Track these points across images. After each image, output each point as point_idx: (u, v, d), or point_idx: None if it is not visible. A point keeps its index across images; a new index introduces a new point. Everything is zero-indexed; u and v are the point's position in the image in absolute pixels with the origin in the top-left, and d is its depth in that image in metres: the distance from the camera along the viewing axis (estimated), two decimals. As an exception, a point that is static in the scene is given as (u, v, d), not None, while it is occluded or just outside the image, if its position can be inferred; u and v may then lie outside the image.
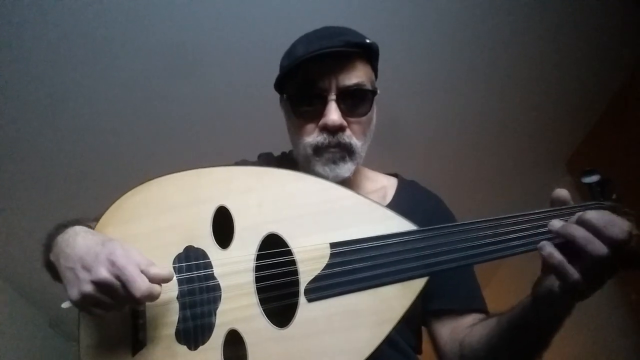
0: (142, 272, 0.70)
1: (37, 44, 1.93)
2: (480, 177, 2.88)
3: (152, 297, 0.70)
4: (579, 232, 0.65)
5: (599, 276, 0.66)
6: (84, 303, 0.71)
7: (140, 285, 0.68)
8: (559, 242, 0.68)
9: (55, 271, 0.81)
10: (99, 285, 0.69)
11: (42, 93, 2.12)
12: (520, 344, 0.79)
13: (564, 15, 2.03)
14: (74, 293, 0.71)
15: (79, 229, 0.78)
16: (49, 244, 0.84)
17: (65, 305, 0.75)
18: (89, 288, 0.69)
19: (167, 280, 0.73)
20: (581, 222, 0.66)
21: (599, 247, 0.63)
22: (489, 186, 2.92)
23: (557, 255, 0.66)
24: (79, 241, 0.75)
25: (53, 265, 0.81)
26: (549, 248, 0.67)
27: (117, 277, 0.69)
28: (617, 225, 0.64)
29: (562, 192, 0.73)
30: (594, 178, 0.79)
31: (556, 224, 0.68)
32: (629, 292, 2.26)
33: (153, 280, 0.70)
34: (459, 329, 0.91)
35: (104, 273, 0.68)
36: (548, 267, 0.68)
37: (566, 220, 0.69)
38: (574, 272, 0.64)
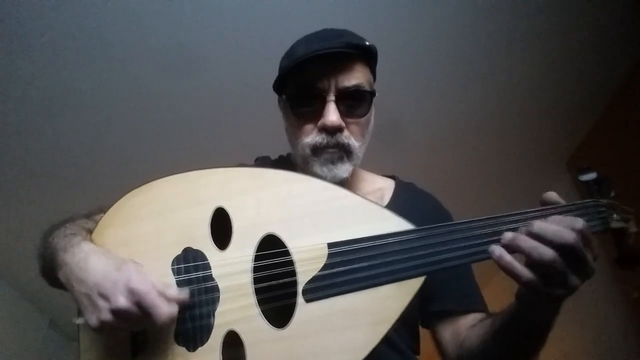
0: (160, 295, 0.70)
1: (36, 44, 1.94)
2: (480, 177, 2.88)
3: (172, 320, 0.71)
4: (525, 243, 0.66)
5: (561, 277, 0.66)
6: (104, 330, 0.71)
7: (163, 311, 0.69)
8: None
9: (53, 279, 0.80)
10: (119, 314, 0.68)
11: (41, 93, 2.13)
12: (511, 345, 0.79)
13: (564, 15, 2.03)
14: (93, 321, 0.70)
15: (88, 249, 0.76)
16: (44, 252, 0.83)
17: (80, 321, 0.74)
18: (108, 317, 0.69)
19: (184, 302, 0.74)
20: (528, 233, 0.67)
21: (544, 252, 0.64)
22: (489, 186, 2.92)
23: (507, 257, 0.67)
24: (92, 265, 0.73)
25: (50, 273, 0.81)
26: (498, 251, 0.68)
27: (137, 305, 0.68)
28: (566, 229, 0.65)
29: (551, 195, 0.73)
30: (591, 176, 0.79)
31: (507, 235, 0.69)
32: (629, 291, 2.26)
33: (172, 301, 0.71)
34: (460, 330, 0.91)
35: (123, 302, 0.68)
36: (501, 269, 0.68)
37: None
38: (525, 272, 0.65)
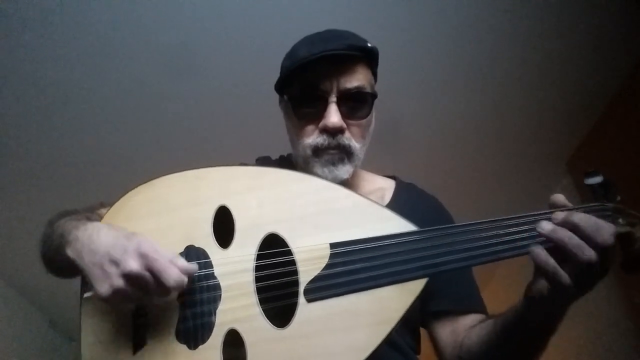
0: (169, 261, 0.71)
1: (37, 44, 1.94)
2: (480, 177, 2.88)
3: (182, 287, 0.71)
4: (571, 240, 0.66)
5: (589, 280, 0.67)
6: (115, 298, 0.71)
7: (173, 274, 0.69)
8: (549, 246, 0.68)
9: (56, 262, 0.82)
10: (130, 278, 0.69)
11: (41, 93, 2.12)
12: (515, 346, 0.79)
13: (563, 15, 2.03)
14: (105, 288, 0.70)
15: (100, 225, 0.78)
16: (51, 234, 0.84)
17: (88, 294, 0.74)
18: (119, 282, 0.69)
19: (193, 272, 0.74)
20: (570, 226, 0.67)
21: (589, 254, 0.64)
22: (489, 186, 2.92)
23: (552, 262, 0.66)
24: (102, 236, 0.74)
25: (55, 256, 0.81)
26: (543, 255, 0.67)
27: (148, 269, 0.69)
28: (605, 229, 0.66)
29: (559, 198, 0.73)
30: (597, 179, 0.78)
31: (546, 226, 0.68)
32: (632, 295, 2.25)
33: (181, 271, 0.71)
34: (459, 331, 0.91)
35: (134, 265, 0.68)
36: (541, 272, 0.68)
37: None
38: (566, 277, 0.65)
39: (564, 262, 0.66)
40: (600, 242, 0.65)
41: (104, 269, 0.70)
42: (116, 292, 0.70)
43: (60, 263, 0.80)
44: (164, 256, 0.71)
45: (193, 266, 0.74)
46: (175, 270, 0.70)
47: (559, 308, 0.73)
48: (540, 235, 0.69)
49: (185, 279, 0.72)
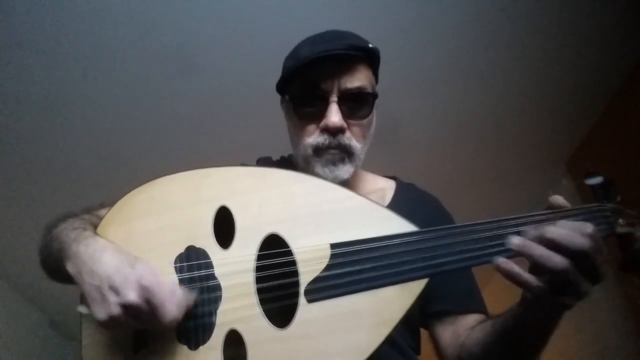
0: (170, 294, 0.71)
1: (37, 44, 1.94)
2: (480, 177, 2.88)
3: (178, 321, 0.72)
4: (537, 251, 0.64)
5: (572, 285, 0.65)
6: (110, 324, 0.71)
7: (171, 310, 0.69)
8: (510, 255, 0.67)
9: (56, 271, 0.81)
10: (128, 309, 0.69)
11: (42, 93, 2.13)
12: (513, 347, 0.79)
13: (563, 14, 2.04)
14: (101, 314, 0.70)
15: (103, 243, 0.77)
16: (49, 244, 0.83)
17: (83, 310, 0.74)
18: (117, 311, 0.69)
19: (191, 302, 0.74)
20: (540, 239, 0.65)
21: (557, 261, 0.62)
22: (489, 186, 2.92)
23: (514, 268, 0.65)
24: (105, 258, 0.73)
25: (55, 265, 0.81)
26: (503, 264, 0.65)
27: (147, 302, 0.69)
28: (577, 235, 0.63)
29: (558, 199, 0.73)
30: (597, 180, 0.78)
31: (514, 240, 0.66)
32: (630, 293, 2.25)
33: (180, 304, 0.72)
34: (460, 331, 0.91)
35: (133, 297, 0.68)
36: (509, 280, 0.66)
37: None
38: (534, 281, 0.64)
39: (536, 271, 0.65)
40: (572, 247, 0.63)
41: (102, 294, 0.70)
42: (112, 320, 0.70)
43: (61, 274, 0.79)
44: (165, 289, 0.70)
45: (191, 296, 0.74)
46: (173, 306, 0.70)
47: (554, 311, 0.72)
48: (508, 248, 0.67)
49: (182, 314, 0.72)
